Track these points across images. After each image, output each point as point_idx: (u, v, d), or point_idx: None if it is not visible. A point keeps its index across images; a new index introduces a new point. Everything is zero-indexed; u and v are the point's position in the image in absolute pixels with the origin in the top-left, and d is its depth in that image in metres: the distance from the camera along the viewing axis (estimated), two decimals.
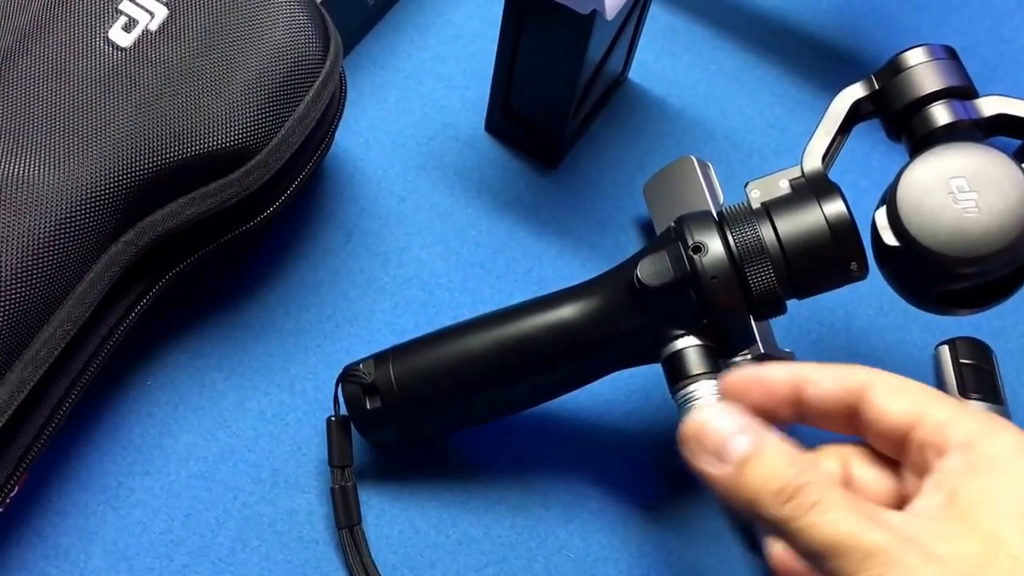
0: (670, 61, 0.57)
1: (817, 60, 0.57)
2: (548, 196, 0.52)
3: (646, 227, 0.51)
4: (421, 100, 0.54)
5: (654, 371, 0.39)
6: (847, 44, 0.58)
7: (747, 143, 0.55)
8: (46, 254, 0.39)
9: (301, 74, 0.43)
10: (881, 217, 0.36)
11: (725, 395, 0.32)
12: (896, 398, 0.30)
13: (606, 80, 0.53)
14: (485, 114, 0.53)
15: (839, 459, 0.31)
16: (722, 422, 0.30)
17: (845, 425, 0.31)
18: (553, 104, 0.49)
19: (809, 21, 0.59)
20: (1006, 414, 0.46)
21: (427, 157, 0.52)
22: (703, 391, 0.37)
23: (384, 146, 0.53)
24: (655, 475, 0.45)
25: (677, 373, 0.37)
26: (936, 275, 0.35)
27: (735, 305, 0.37)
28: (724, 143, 0.54)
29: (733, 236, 0.37)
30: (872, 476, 0.31)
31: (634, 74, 0.55)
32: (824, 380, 0.31)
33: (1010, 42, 0.59)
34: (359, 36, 0.55)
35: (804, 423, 0.32)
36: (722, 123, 0.55)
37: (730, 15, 0.58)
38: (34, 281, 0.38)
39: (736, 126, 0.55)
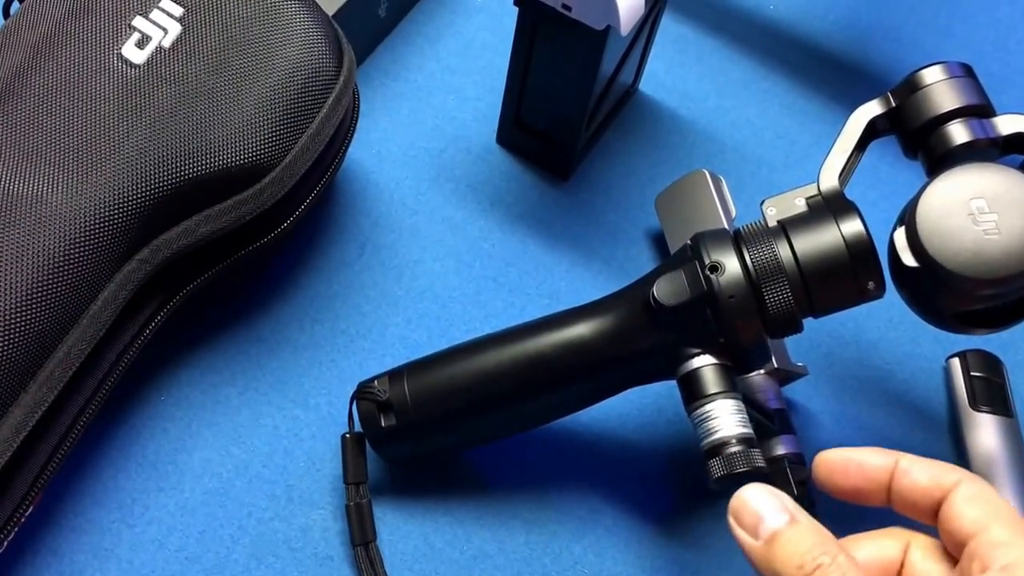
0: (680, 72, 0.57)
1: (826, 72, 0.58)
2: (559, 208, 0.52)
3: (657, 239, 0.51)
4: (433, 112, 0.54)
5: (668, 386, 0.40)
6: (855, 56, 0.58)
7: (756, 155, 0.55)
8: (60, 273, 0.38)
9: (315, 89, 0.43)
10: (900, 238, 0.36)
11: (823, 470, 0.34)
12: (972, 505, 0.31)
13: (617, 92, 0.53)
14: (496, 126, 0.53)
15: (902, 541, 0.33)
16: (760, 501, 0.32)
17: (929, 517, 0.33)
18: (565, 117, 0.49)
19: (817, 33, 0.59)
20: (1016, 426, 0.46)
21: (439, 169, 0.52)
22: (720, 411, 0.37)
23: (396, 158, 0.52)
24: (669, 490, 0.45)
25: (693, 392, 0.37)
26: (955, 296, 0.35)
27: (752, 324, 0.37)
28: (733, 155, 0.54)
29: (750, 255, 0.37)
30: (926, 567, 0.32)
31: (644, 85, 0.55)
32: (918, 473, 0.33)
33: (1015, 54, 0.60)
34: (370, 48, 0.55)
35: (891, 507, 0.33)
36: (731, 135, 0.55)
37: (739, 26, 0.58)
38: (48, 301, 0.38)
39: (745, 137, 0.55)
